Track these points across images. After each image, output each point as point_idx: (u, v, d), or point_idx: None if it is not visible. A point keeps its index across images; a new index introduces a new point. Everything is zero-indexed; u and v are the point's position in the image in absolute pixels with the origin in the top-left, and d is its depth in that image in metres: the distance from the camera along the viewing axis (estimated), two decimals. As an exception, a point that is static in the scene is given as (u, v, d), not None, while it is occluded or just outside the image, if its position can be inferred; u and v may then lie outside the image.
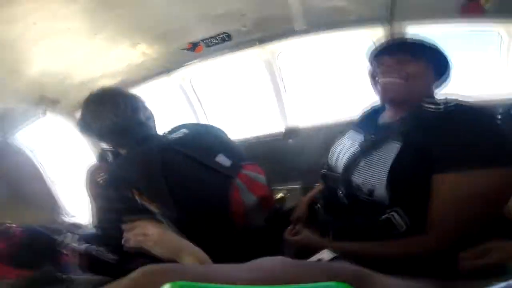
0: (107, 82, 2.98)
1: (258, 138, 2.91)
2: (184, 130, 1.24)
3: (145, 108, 1.21)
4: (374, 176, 0.87)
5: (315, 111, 2.91)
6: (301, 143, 2.78)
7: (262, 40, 2.41)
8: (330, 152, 1.16)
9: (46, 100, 2.42)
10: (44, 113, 2.44)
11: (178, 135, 1.21)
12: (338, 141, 1.15)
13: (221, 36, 2.31)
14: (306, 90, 2.93)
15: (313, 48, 2.63)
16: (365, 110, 1.22)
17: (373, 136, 1.00)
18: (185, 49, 2.46)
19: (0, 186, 1.76)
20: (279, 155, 2.82)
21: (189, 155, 1.10)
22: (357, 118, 1.22)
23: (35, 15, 1.55)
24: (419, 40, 0.97)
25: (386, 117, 1.07)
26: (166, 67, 2.80)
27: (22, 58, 1.83)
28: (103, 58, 2.39)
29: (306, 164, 2.20)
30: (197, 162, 1.10)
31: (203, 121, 3.12)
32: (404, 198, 0.83)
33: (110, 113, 1.09)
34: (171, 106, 3.05)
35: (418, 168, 0.82)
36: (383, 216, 0.85)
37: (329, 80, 2.84)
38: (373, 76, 1.07)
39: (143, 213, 0.95)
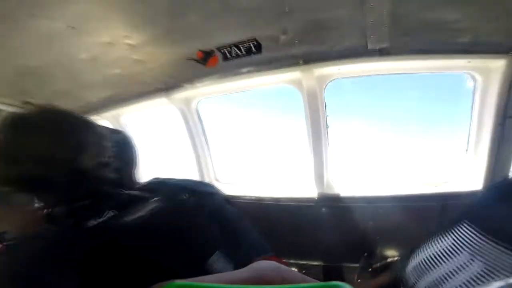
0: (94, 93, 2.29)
1: (287, 199, 2.03)
2: (158, 203, 0.75)
3: (104, 148, 0.76)
4: None
5: (361, 179, 2.00)
6: (335, 215, 1.96)
7: (308, 58, 1.57)
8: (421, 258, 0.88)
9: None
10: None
11: (146, 210, 0.72)
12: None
13: (247, 44, 1.50)
14: (355, 150, 2.06)
15: (383, 79, 1.76)
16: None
17: None
18: (193, 59, 1.67)
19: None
20: (307, 223, 2.03)
21: (153, 261, 0.63)
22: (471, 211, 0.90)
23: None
24: None
25: None
26: (164, 83, 2.04)
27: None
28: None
29: (336, 239, 1.89)
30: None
31: (206, 171, 2.30)
32: None
33: (40, 147, 0.68)
34: (166, 136, 2.28)
35: None
36: None
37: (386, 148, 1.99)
38: None
39: None
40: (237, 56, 1.58)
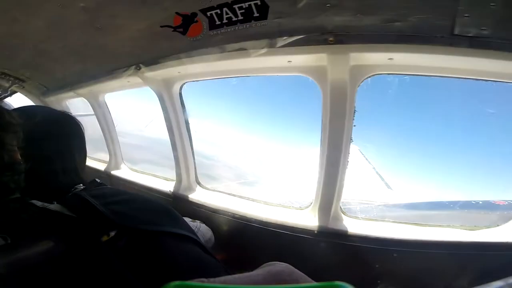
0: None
1: (280, 226, 1.50)
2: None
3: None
4: None
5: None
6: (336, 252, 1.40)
7: (342, 35, 0.99)
8: None
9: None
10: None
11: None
12: None
13: (246, 4, 0.93)
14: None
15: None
16: None
17: None
18: (167, 26, 1.13)
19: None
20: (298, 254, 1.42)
21: None
22: None
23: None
24: None
25: None
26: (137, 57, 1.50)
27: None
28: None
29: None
30: None
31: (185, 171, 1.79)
32: None
33: None
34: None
35: None
36: None
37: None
38: None
39: None
40: (231, 22, 1.02)
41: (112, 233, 0.59)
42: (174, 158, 1.82)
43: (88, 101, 2.31)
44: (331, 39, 0.95)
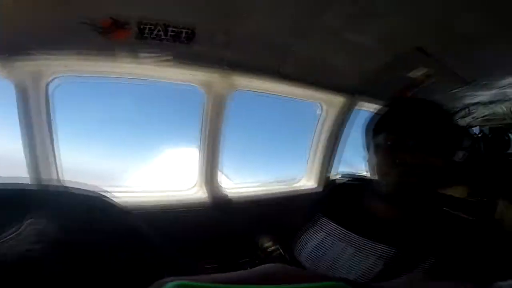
0: None
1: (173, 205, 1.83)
2: None
3: None
4: None
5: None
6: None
7: (232, 63, 1.60)
8: (298, 245, 0.95)
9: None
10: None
11: None
12: (311, 233, 0.93)
13: (179, 30, 1.31)
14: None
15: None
16: (333, 188, 1.05)
17: (395, 251, 0.74)
18: (88, 23, 1.21)
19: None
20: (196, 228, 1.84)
21: None
22: (323, 198, 1.04)
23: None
24: None
25: (375, 209, 0.84)
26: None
27: None
28: None
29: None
30: None
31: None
32: None
33: None
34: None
35: None
36: None
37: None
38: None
39: None
40: (157, 38, 1.32)
41: None
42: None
43: None
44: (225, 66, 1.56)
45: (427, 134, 0.75)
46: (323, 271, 0.84)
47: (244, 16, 1.26)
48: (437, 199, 0.85)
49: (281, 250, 1.11)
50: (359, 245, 0.81)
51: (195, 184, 1.94)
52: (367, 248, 0.80)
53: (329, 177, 2.42)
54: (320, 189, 2.33)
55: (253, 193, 2.12)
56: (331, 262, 0.84)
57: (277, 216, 1.79)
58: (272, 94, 1.98)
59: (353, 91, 2.10)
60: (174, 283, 0.23)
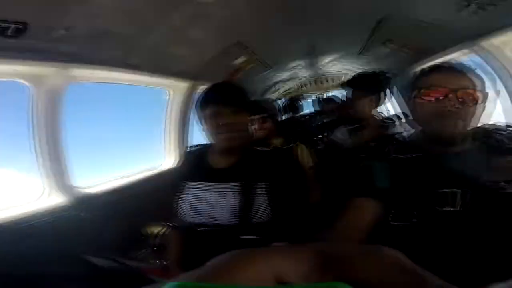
0: None
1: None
2: None
3: None
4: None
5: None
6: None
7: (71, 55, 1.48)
8: (180, 212, 1.11)
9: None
10: None
11: None
12: (184, 197, 1.11)
13: (5, 25, 1.10)
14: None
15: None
16: (185, 158, 1.24)
17: (239, 183, 1.05)
18: None
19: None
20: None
21: None
22: (181, 168, 1.23)
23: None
24: None
25: (218, 162, 1.13)
26: None
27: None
28: None
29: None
30: None
31: None
32: None
33: None
34: None
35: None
36: None
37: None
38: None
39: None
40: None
41: None
42: None
43: None
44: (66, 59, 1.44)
45: (231, 103, 1.05)
46: (206, 220, 1.04)
47: (93, 11, 1.25)
48: (253, 147, 1.17)
49: (170, 224, 1.19)
50: (219, 189, 1.06)
51: (43, 192, 1.72)
52: (224, 188, 1.05)
53: (185, 152, 2.72)
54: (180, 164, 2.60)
55: (116, 186, 2.09)
56: (207, 210, 1.06)
57: (149, 200, 1.87)
58: (120, 84, 1.98)
59: (194, 77, 2.44)
60: (174, 283, 0.23)
